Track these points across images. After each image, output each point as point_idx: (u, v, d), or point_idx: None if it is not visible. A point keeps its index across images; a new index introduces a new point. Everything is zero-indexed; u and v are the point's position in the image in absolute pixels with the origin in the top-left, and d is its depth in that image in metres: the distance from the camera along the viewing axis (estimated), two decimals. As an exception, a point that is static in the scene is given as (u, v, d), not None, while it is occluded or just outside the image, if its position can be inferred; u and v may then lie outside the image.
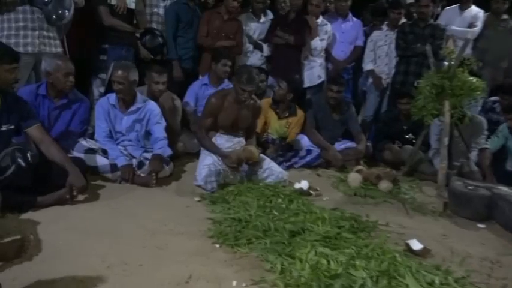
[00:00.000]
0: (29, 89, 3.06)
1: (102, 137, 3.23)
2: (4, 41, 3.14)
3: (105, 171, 3.09)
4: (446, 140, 3.30)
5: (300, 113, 4.05)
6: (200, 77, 4.30)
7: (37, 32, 3.32)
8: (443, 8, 5.00)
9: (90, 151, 3.10)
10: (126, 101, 3.25)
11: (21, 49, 3.20)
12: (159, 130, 3.30)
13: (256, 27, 4.62)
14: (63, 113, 3.13)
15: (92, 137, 3.32)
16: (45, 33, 3.37)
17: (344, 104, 4.14)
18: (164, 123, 3.37)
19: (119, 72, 3.13)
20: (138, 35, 4.13)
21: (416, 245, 2.28)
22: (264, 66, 4.56)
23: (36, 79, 3.41)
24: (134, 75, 3.18)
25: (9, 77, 2.55)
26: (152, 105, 3.34)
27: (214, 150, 3.24)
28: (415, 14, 4.71)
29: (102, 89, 3.90)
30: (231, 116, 3.33)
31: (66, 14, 3.37)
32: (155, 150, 3.22)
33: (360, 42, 4.76)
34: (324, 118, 4.09)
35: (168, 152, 3.29)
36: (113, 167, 3.10)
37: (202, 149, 3.36)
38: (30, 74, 3.38)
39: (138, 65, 3.64)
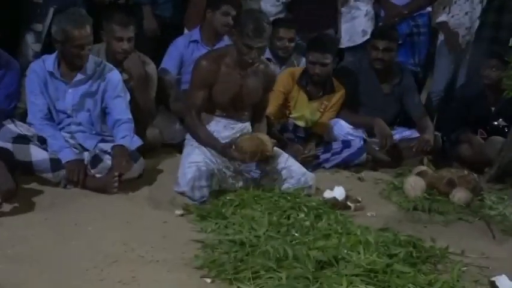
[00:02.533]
0: None
1: (39, 119, 3.26)
2: None
3: (43, 169, 3.13)
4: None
5: (339, 89, 4.04)
6: (187, 31, 4.33)
7: None
8: None
9: (22, 139, 3.13)
10: (73, 66, 3.28)
11: None
12: (121, 108, 3.34)
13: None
14: (-19, 84, 3.18)
15: (23, 118, 3.36)
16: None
17: (397, 70, 4.16)
18: (128, 97, 3.40)
19: (86, 28, 3.12)
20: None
21: (505, 284, 2.30)
22: (281, 16, 4.56)
23: None
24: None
25: None
26: (111, 71, 3.38)
27: (212, 143, 3.24)
28: None
29: (37, 47, 3.95)
30: (230, 89, 3.33)
31: None
32: (118, 139, 3.25)
33: None
34: (368, 91, 4.13)
35: (136, 142, 3.33)
36: (55, 164, 3.14)
37: (188, 138, 3.39)
38: None
39: (90, 11, 3.67)
